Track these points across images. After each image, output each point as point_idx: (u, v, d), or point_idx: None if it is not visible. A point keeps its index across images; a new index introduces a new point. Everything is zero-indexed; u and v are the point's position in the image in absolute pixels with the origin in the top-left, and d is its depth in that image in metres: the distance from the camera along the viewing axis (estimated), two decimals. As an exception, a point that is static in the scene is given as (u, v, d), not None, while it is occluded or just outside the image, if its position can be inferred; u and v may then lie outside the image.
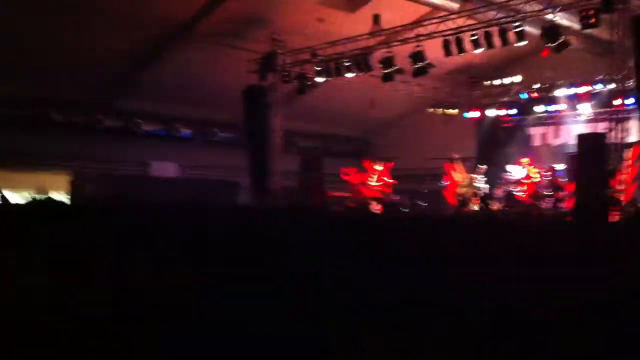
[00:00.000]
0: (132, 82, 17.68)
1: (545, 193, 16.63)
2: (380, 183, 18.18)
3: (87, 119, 18.25)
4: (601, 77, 16.28)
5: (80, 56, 15.85)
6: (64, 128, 17.80)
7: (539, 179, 16.83)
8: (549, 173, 16.76)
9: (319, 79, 16.81)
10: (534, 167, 17.05)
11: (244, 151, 17.86)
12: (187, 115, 19.87)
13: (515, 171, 17.67)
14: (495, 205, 17.38)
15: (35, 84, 16.41)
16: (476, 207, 17.24)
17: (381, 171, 18.07)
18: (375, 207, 17.80)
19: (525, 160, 17.36)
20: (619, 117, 12.43)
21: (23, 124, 17.12)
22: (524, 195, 16.89)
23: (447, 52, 14.34)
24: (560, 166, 16.76)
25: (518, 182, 17.44)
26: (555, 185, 16.10)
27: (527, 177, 16.98)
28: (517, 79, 18.34)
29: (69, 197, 15.43)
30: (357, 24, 15.88)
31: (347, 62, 16.01)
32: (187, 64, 17.17)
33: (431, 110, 20.60)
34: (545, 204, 16.27)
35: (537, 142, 20.14)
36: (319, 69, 16.58)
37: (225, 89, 17.40)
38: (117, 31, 15.60)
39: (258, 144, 17.60)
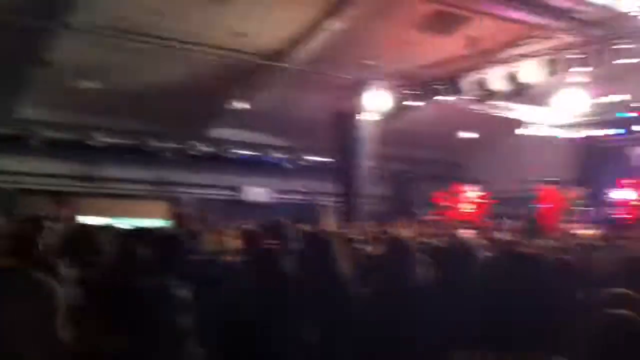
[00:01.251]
0: (224, 112, 18.04)
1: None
2: (472, 207, 17.82)
3: (184, 146, 18.76)
4: None
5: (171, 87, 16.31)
6: (159, 156, 18.37)
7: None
8: None
9: (414, 104, 16.68)
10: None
11: (334, 176, 17.93)
12: (277, 141, 20.16)
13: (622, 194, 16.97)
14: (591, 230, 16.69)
15: (131, 115, 17.06)
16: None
17: (475, 196, 17.75)
18: (466, 233, 17.39)
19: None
20: None
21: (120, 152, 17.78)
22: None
23: (549, 71, 13.94)
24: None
25: (620, 205, 16.75)
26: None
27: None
28: (621, 96, 17.60)
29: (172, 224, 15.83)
30: (451, 47, 15.69)
31: (441, 85, 15.83)
32: (280, 94, 17.39)
33: (523, 130, 20.05)
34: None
35: (637, 162, 19.27)
36: (414, 93, 16.47)
37: (316, 115, 17.50)
38: (208, 62, 16.00)
39: (347, 168, 17.62)
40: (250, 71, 16.88)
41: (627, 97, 17.45)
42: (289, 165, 20.46)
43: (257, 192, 20.23)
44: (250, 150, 19.97)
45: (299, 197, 20.46)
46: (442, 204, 18.37)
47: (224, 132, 19.19)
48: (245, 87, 17.31)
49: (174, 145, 18.61)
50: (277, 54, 16.45)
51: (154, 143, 18.31)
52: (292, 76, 17.08)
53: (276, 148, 20.39)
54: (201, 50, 15.36)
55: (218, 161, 19.33)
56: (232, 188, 20.22)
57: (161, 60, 15.40)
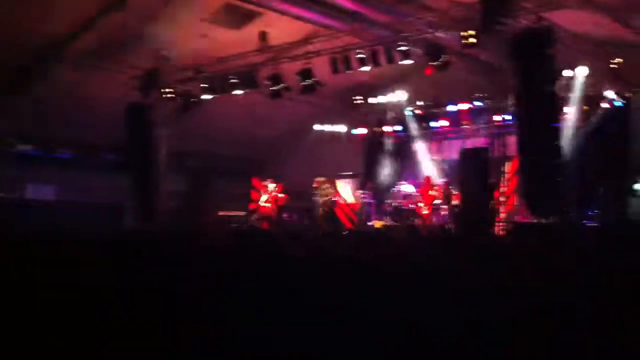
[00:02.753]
0: (4, 103, 16.46)
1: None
2: (268, 204, 18.03)
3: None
4: (481, 95, 16.95)
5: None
6: None
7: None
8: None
9: (204, 97, 16.41)
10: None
11: (129, 172, 17.15)
12: (66, 136, 18.79)
13: (405, 187, 18.09)
14: (383, 221, 17.72)
15: None
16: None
17: (272, 189, 17.90)
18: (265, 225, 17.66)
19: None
20: (499, 133, 12.93)
21: None
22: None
23: (335, 69, 14.43)
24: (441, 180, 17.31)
25: (407, 197, 17.84)
26: (447, 198, 16.50)
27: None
28: (402, 96, 18.75)
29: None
30: (243, 41, 15.67)
31: (233, 79, 15.75)
32: (65, 83, 16.23)
33: (318, 127, 20.72)
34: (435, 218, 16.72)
35: (422, 157, 20.64)
36: (205, 86, 16.20)
37: (107, 108, 16.61)
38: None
39: (143, 164, 16.96)
40: (33, 59, 15.58)
41: (407, 96, 18.62)
42: (79, 160, 19.20)
43: (43, 190, 18.75)
44: (35, 145, 18.43)
45: (92, 195, 19.29)
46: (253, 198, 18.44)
47: (3, 124, 17.49)
48: (27, 75, 15.95)
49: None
50: (63, 41, 15.37)
51: None
52: (80, 68, 16.06)
53: (66, 143, 19.05)
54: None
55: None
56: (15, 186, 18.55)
57: None
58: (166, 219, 16.84)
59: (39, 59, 15.67)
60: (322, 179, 18.32)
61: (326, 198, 18.17)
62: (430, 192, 16.87)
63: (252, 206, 18.35)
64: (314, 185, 18.21)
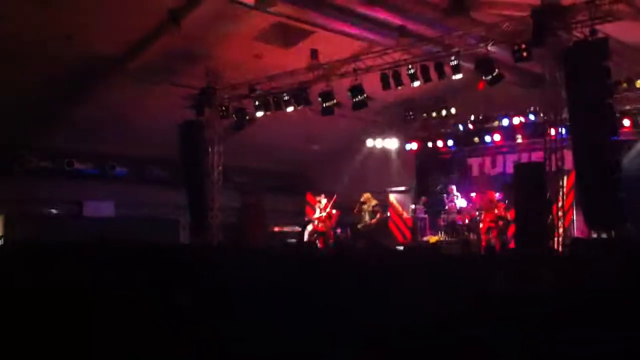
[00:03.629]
0: (59, 121, 17.02)
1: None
2: (323, 216, 18.09)
3: (11, 158, 17.48)
4: (535, 108, 16.69)
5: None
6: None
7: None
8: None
9: (258, 114, 16.63)
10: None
11: (183, 188, 17.49)
12: (122, 153, 19.31)
13: (458, 201, 17.89)
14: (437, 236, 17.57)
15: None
16: None
17: (325, 205, 18.03)
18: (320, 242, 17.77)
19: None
20: (554, 147, 12.67)
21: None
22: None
23: (385, 85, 14.43)
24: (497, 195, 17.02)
25: (461, 211, 17.63)
26: (498, 216, 16.22)
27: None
28: (453, 111, 18.62)
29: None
30: (294, 59, 15.85)
31: (286, 96, 15.92)
32: (120, 101, 16.71)
33: (370, 143, 20.74)
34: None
35: (475, 172, 20.42)
36: (258, 103, 16.43)
37: (162, 125, 17.01)
38: (40, 68, 15.11)
39: (196, 181, 17.27)
40: (89, 77, 16.10)
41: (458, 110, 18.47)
42: (134, 178, 19.67)
43: (100, 206, 19.28)
44: (92, 163, 18.99)
45: (146, 210, 19.75)
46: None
47: (61, 142, 18.10)
48: (84, 95, 16.48)
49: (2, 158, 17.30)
50: (119, 60, 15.84)
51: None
52: (136, 86, 16.52)
53: (121, 160, 19.56)
54: (31, 54, 14.48)
55: (55, 174, 18.20)
56: (73, 203, 19.15)
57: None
58: (220, 234, 17.10)
59: (95, 77, 16.17)
60: (367, 194, 18.40)
61: (370, 212, 18.25)
62: (492, 208, 16.55)
63: (307, 221, 18.50)
64: (361, 200, 18.33)
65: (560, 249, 12.23)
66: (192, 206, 17.42)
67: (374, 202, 18.44)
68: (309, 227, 18.33)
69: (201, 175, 17.18)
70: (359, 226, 18.52)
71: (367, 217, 18.42)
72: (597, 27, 11.50)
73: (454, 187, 18.12)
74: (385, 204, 18.99)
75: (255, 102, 16.52)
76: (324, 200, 18.10)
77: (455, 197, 17.97)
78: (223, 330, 3.76)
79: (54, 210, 18.85)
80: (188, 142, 17.17)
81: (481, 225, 16.42)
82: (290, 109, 16.11)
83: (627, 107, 15.62)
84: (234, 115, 17.02)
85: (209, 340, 3.62)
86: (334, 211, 18.14)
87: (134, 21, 14.42)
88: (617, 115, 13.63)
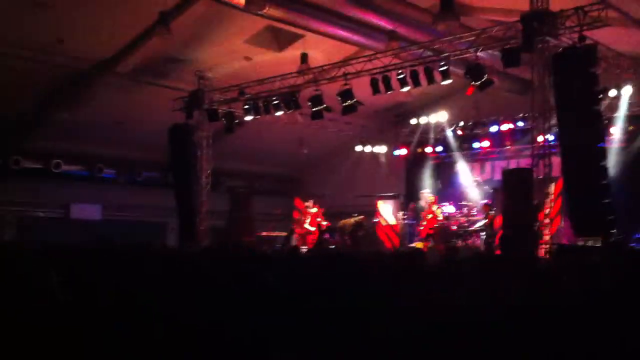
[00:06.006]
0: (48, 123, 16.91)
1: (472, 229, 16.85)
2: (313, 227, 18.11)
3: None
4: (524, 115, 16.73)
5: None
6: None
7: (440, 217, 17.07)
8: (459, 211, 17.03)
9: (247, 117, 16.60)
10: (436, 204, 17.27)
11: (171, 191, 17.40)
12: (111, 155, 19.21)
13: (446, 208, 17.87)
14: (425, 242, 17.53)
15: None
16: None
17: (315, 213, 18.05)
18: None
19: (430, 197, 17.56)
20: (542, 153, 12.70)
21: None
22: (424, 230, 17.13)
23: (375, 90, 14.43)
24: (483, 201, 17.04)
25: (449, 218, 17.61)
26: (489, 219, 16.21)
27: (429, 212, 17.18)
28: (443, 116, 18.64)
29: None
30: (284, 63, 15.84)
31: (275, 100, 15.89)
32: (109, 104, 16.63)
33: (359, 147, 20.75)
34: (477, 239, 16.46)
35: (464, 178, 20.43)
36: (247, 107, 16.40)
37: (151, 128, 16.96)
38: (30, 70, 15.02)
39: (185, 184, 17.19)
40: (77, 80, 16.02)
41: (448, 116, 18.48)
42: (122, 180, 19.56)
43: (87, 209, 19.15)
44: (80, 165, 18.87)
45: (136, 214, 19.65)
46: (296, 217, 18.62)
47: (51, 145, 17.99)
48: (73, 96, 16.39)
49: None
50: (106, 63, 15.78)
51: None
52: (125, 88, 16.46)
53: (110, 163, 19.45)
54: (22, 57, 14.40)
55: (43, 176, 18.08)
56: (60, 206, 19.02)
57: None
58: (208, 238, 17.02)
59: (85, 79, 16.10)
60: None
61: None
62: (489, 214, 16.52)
63: (295, 227, 18.49)
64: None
65: (545, 255, 12.24)
66: (181, 209, 17.32)
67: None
68: (294, 233, 18.39)
69: (190, 178, 17.10)
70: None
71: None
72: (587, 33, 11.55)
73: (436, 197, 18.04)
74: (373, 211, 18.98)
75: (244, 106, 16.47)
76: (313, 210, 18.11)
77: (443, 204, 17.99)
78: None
79: (40, 213, 18.71)
80: (177, 144, 17.09)
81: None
82: (279, 113, 16.08)
83: (616, 114, 15.70)
84: (223, 119, 16.97)
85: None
86: (324, 222, 18.19)
87: (125, 24, 14.38)
88: (605, 121, 13.72)
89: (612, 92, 14.64)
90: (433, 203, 17.29)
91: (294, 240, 18.34)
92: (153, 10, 13.57)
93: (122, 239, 14.54)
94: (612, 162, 14.04)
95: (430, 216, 17.16)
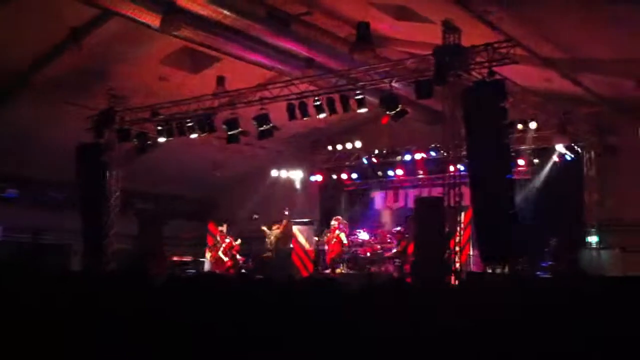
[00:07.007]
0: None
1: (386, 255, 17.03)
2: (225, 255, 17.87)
3: None
4: (436, 145, 17.13)
5: None
6: None
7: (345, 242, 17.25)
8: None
9: (160, 139, 16.20)
10: (340, 230, 17.44)
11: (78, 212, 16.70)
12: (15, 174, 18.30)
13: (361, 235, 18.02)
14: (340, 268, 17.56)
15: None
16: None
17: (228, 243, 17.85)
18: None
19: (333, 222, 17.72)
20: (453, 183, 12.98)
21: None
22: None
23: (291, 115, 14.42)
24: (397, 228, 17.28)
25: (363, 244, 17.75)
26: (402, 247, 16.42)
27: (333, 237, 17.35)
28: (358, 144, 18.84)
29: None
30: (200, 85, 15.61)
31: (190, 122, 15.61)
32: (17, 119, 15.84)
33: (275, 172, 20.66)
34: (392, 266, 16.62)
35: (378, 205, 20.69)
36: (161, 128, 16.02)
37: (59, 146, 16.25)
38: None
39: (92, 205, 16.55)
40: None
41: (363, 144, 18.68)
42: (26, 201, 18.66)
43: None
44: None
45: (39, 236, 18.73)
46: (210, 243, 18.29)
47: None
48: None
49: None
50: (14, 79, 15.08)
51: None
52: (34, 104, 15.73)
53: (13, 181, 18.51)
54: None
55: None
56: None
57: None
58: (114, 261, 16.42)
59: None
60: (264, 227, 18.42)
61: (274, 240, 18.21)
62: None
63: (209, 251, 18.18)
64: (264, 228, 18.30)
65: (455, 282, 12.46)
66: (86, 231, 16.63)
67: (275, 230, 18.39)
68: (208, 256, 18.07)
69: (98, 200, 16.49)
70: (263, 255, 18.38)
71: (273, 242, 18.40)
72: (496, 69, 11.96)
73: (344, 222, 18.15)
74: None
75: (157, 127, 16.08)
76: (227, 240, 17.93)
77: (358, 231, 18.14)
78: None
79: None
80: (85, 164, 16.46)
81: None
82: (194, 135, 15.80)
83: (522, 147, 16.33)
84: (135, 140, 16.49)
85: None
86: (234, 242, 17.98)
87: (36, 38, 13.77)
88: (513, 154, 14.21)
89: (519, 126, 15.23)
90: (336, 228, 17.39)
91: (208, 265, 18.03)
92: (66, 25, 13.09)
93: (22, 262, 13.92)
94: (519, 193, 14.55)
95: (334, 241, 17.29)
